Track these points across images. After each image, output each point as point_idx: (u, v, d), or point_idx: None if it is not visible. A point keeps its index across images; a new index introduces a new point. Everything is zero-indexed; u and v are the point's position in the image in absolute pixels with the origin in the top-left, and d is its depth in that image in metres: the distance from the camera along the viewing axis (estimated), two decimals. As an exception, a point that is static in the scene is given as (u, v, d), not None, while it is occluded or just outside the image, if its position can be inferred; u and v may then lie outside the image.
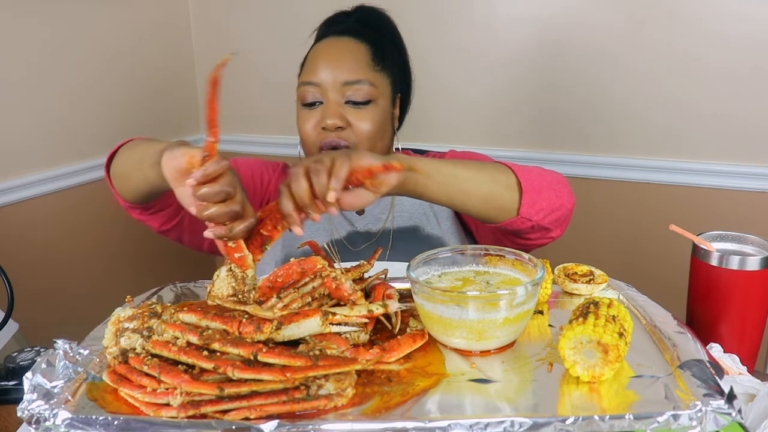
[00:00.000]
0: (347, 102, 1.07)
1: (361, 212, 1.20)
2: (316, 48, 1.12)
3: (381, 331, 0.74)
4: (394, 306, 0.72)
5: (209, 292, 0.75)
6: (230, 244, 0.74)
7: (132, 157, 0.94)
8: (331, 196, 0.74)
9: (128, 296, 0.80)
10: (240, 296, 0.73)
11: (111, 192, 1.01)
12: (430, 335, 0.72)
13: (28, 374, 0.64)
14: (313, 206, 0.75)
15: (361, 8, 1.19)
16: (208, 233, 0.73)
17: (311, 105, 1.08)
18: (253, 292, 0.74)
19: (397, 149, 1.17)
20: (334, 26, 1.16)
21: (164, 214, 1.07)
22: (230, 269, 0.75)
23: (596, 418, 0.57)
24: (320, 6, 1.21)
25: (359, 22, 1.15)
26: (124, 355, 0.66)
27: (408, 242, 1.16)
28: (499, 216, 0.94)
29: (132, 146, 0.96)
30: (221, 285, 0.74)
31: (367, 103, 1.07)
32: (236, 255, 0.74)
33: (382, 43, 1.13)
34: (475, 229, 1.19)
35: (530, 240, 1.00)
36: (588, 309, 0.67)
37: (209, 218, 0.72)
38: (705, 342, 0.74)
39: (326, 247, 0.87)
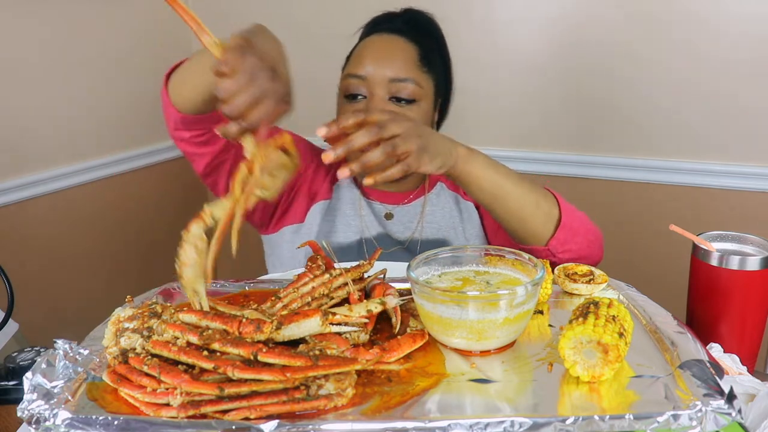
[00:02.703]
0: (391, 98, 1.06)
1: (389, 217, 1.19)
2: (365, 42, 1.12)
3: (381, 331, 0.74)
4: (392, 302, 0.73)
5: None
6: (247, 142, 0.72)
7: (195, 57, 0.97)
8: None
9: (128, 296, 0.80)
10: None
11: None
12: (430, 335, 0.72)
13: (28, 374, 0.64)
14: (347, 128, 0.78)
15: (409, 11, 1.20)
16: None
17: (353, 97, 1.08)
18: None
19: None
20: (384, 24, 1.16)
21: (212, 150, 1.03)
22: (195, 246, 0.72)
23: (596, 418, 0.57)
24: (320, 6, 1.21)
25: (408, 24, 1.15)
26: (124, 355, 0.66)
27: None
28: (528, 239, 0.96)
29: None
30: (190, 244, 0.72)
31: (411, 102, 1.07)
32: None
33: (429, 46, 1.13)
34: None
35: None
36: (588, 309, 0.67)
37: (229, 116, 0.71)
38: (705, 342, 0.74)
39: (326, 246, 0.87)
